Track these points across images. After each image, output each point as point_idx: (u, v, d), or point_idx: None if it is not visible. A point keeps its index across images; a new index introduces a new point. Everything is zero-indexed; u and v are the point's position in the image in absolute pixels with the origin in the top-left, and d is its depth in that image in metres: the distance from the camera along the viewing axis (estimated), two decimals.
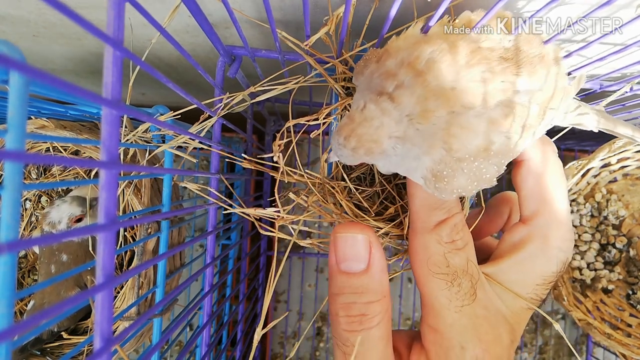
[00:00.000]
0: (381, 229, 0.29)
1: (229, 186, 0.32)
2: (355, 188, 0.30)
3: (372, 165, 0.33)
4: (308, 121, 0.29)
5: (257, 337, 0.24)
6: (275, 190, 0.29)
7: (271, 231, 0.29)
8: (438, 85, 0.19)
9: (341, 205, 0.30)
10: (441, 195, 0.22)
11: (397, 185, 0.32)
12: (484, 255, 0.29)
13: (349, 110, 0.31)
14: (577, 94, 0.28)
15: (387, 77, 0.20)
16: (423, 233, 0.23)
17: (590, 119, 0.26)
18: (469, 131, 0.19)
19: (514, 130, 0.20)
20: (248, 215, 0.30)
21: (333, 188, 0.29)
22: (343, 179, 0.32)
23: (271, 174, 0.30)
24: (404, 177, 0.32)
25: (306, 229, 0.30)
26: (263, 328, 0.24)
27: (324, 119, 0.29)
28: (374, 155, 0.20)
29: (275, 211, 0.29)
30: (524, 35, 0.21)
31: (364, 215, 0.29)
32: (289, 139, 0.29)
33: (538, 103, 0.21)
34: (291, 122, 0.29)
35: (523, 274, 0.23)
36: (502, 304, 0.23)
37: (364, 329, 0.22)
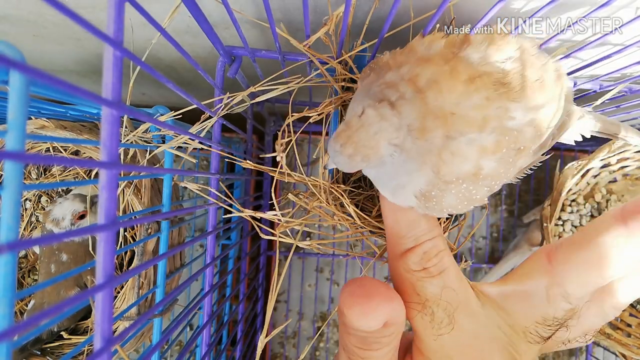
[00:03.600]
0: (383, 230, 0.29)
1: (226, 190, 0.32)
2: (353, 190, 0.30)
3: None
4: (308, 113, 0.29)
5: (260, 345, 0.24)
6: (274, 195, 0.29)
7: (272, 234, 0.29)
8: (437, 106, 0.19)
9: (342, 205, 0.30)
10: (432, 214, 0.21)
11: None
12: None
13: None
14: (576, 95, 0.28)
15: (388, 87, 0.20)
16: (393, 260, 0.23)
17: (586, 128, 0.26)
18: (459, 157, 0.19)
19: (506, 155, 0.20)
20: (249, 217, 0.30)
21: (336, 191, 0.29)
22: (344, 182, 0.32)
23: (271, 174, 0.30)
24: None
25: (306, 229, 0.30)
26: (263, 330, 0.24)
27: (322, 115, 0.29)
28: (371, 162, 0.20)
29: (274, 214, 0.29)
30: (527, 56, 0.20)
31: (367, 217, 0.29)
32: (289, 139, 0.29)
33: (534, 126, 0.20)
34: (291, 118, 0.29)
35: (523, 305, 0.22)
36: (500, 332, 0.22)
37: (373, 349, 0.21)
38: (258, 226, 0.29)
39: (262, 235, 0.29)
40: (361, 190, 0.32)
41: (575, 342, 0.23)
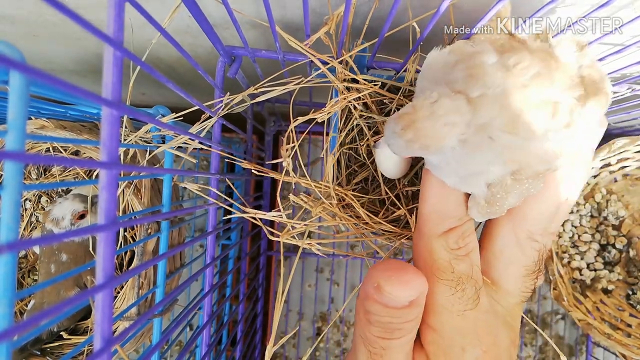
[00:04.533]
0: (395, 232, 0.29)
1: (231, 185, 0.32)
2: (355, 193, 0.30)
3: (375, 170, 0.33)
4: (314, 116, 0.29)
5: (268, 355, 0.24)
6: (279, 198, 0.29)
7: (278, 235, 0.29)
8: (536, 101, 0.18)
9: (344, 207, 0.30)
10: (491, 216, 0.22)
11: (401, 191, 0.32)
12: None
13: (355, 107, 0.31)
14: None
15: (472, 76, 0.19)
16: (430, 238, 0.23)
17: None
18: (539, 158, 0.19)
19: (567, 162, 0.20)
20: (254, 218, 0.30)
21: (348, 197, 0.29)
22: (347, 183, 0.32)
23: (271, 174, 0.30)
24: (408, 183, 0.32)
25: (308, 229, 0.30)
26: (265, 333, 0.24)
27: (329, 115, 0.29)
28: (429, 152, 0.19)
29: (278, 214, 0.29)
30: (591, 61, 0.20)
31: (376, 218, 0.29)
32: (293, 145, 0.29)
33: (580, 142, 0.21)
34: (293, 123, 0.29)
35: (506, 266, 0.23)
36: (498, 305, 0.23)
37: (395, 338, 0.21)
38: (268, 230, 0.29)
39: (271, 237, 0.29)
40: (368, 197, 0.32)
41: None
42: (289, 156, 0.28)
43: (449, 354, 0.22)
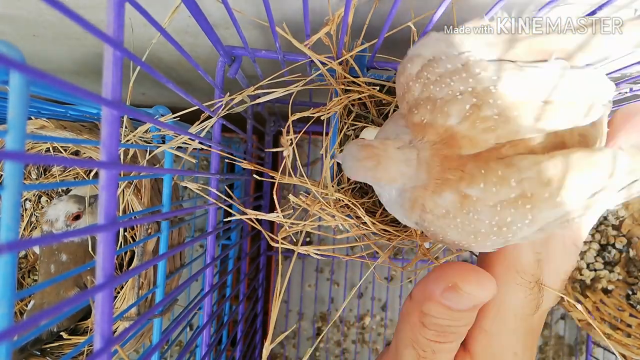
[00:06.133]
0: (395, 233, 0.29)
1: (228, 191, 0.32)
2: (356, 203, 0.30)
3: None
4: (313, 113, 0.29)
5: (266, 352, 0.24)
6: (275, 197, 0.29)
7: (274, 239, 0.29)
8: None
9: (344, 207, 0.29)
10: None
11: None
12: None
13: (352, 108, 0.31)
14: None
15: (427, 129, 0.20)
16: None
17: None
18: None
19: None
20: (252, 221, 0.30)
21: (352, 203, 0.29)
22: (344, 186, 0.32)
23: (271, 174, 0.30)
24: None
25: (307, 229, 0.30)
26: (265, 333, 0.24)
27: (329, 114, 0.29)
28: (379, 183, 0.22)
29: (276, 215, 0.29)
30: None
31: (376, 222, 0.29)
32: (292, 136, 0.29)
33: None
34: (291, 117, 0.29)
35: (556, 273, 0.23)
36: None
37: (448, 341, 0.21)
38: (268, 235, 0.29)
39: (273, 244, 0.29)
40: (366, 201, 0.32)
41: None
42: (290, 145, 0.28)
43: (498, 357, 0.22)
